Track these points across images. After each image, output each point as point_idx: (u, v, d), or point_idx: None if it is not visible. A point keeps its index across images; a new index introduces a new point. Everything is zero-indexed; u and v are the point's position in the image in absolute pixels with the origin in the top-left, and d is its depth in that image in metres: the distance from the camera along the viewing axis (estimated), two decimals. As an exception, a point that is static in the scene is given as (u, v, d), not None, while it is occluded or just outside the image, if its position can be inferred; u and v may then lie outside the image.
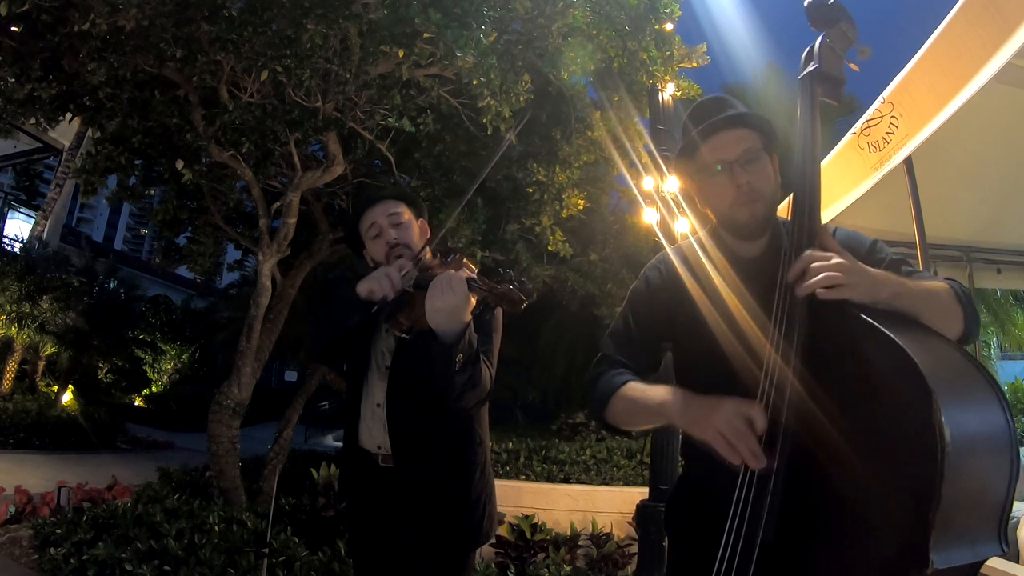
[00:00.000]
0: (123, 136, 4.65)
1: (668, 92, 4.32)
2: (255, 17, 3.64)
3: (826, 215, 2.86)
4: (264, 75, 3.64)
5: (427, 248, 1.68)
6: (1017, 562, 2.17)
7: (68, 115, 4.62)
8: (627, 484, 5.56)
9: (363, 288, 1.51)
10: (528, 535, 4.49)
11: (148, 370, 14.98)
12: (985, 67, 1.81)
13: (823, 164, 2.36)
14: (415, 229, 1.73)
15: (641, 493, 4.34)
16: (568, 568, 4.20)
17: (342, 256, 6.11)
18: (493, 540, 4.29)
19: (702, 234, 1.33)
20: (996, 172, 3.10)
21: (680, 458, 1.54)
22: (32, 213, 13.61)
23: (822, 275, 0.95)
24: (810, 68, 1.14)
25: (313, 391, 6.53)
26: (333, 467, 4.72)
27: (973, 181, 3.19)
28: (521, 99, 3.71)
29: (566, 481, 5.62)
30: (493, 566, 4.08)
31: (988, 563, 0.86)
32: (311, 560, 3.47)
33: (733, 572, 0.94)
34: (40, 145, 10.42)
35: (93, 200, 6.44)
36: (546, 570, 4.06)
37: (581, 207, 5.19)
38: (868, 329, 0.89)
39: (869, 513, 0.85)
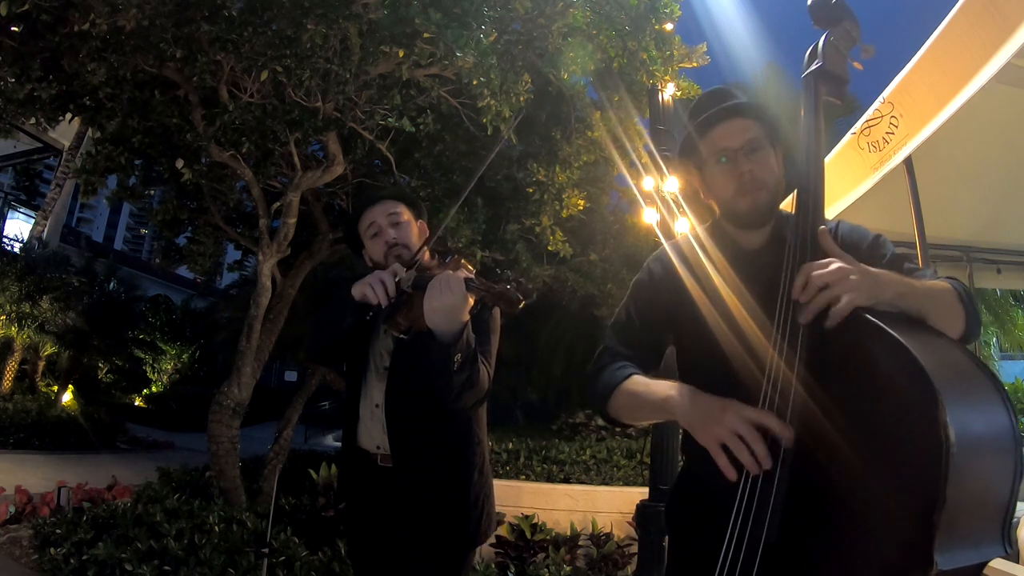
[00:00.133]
0: (123, 136, 4.64)
1: (668, 92, 4.31)
2: (255, 17, 3.64)
3: (826, 215, 2.86)
4: (264, 75, 3.63)
5: (425, 248, 1.68)
6: (1019, 563, 2.17)
7: (68, 115, 4.61)
8: (627, 484, 5.55)
9: (357, 291, 1.51)
10: (528, 535, 4.48)
11: (148, 370, 14.97)
12: (985, 67, 1.81)
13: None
14: (414, 229, 1.73)
15: (641, 493, 4.33)
16: (568, 568, 4.20)
17: (342, 256, 6.11)
18: (493, 540, 4.30)
19: (700, 230, 1.32)
20: (996, 172, 3.10)
21: (680, 455, 1.54)
22: (32, 213, 13.58)
23: (822, 299, 0.93)
24: (814, 66, 1.13)
25: (313, 391, 6.52)
26: (333, 467, 4.72)
27: (973, 181, 3.19)
28: (521, 99, 3.70)
29: (566, 481, 5.61)
30: (493, 566, 4.08)
31: (991, 564, 0.85)
32: (311, 560, 3.47)
33: (736, 573, 0.93)
34: (40, 145, 10.40)
35: (93, 200, 6.44)
36: (546, 570, 4.06)
37: (581, 207, 5.17)
38: (873, 329, 0.89)
39: (871, 513, 0.85)
